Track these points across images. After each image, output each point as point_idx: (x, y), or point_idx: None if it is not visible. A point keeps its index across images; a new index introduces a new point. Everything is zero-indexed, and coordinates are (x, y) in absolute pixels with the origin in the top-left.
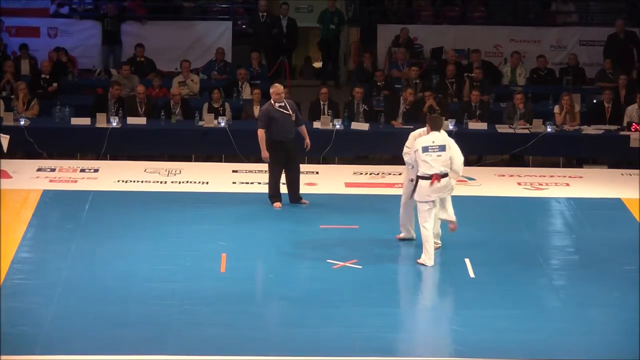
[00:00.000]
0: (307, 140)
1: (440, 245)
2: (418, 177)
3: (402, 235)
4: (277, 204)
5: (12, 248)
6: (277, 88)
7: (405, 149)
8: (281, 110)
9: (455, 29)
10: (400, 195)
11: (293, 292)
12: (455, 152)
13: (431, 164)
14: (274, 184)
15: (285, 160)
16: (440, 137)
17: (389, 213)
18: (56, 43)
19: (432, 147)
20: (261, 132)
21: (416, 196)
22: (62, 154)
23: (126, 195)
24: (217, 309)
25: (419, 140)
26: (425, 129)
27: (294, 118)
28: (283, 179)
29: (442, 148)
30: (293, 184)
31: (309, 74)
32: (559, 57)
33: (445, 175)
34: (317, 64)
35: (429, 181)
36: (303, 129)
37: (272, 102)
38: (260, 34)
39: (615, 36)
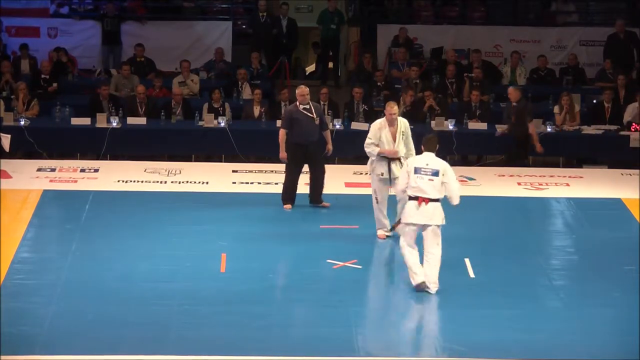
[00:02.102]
0: (329, 146)
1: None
2: (409, 197)
3: (383, 231)
4: (288, 206)
5: (12, 248)
6: (302, 89)
7: (367, 141)
8: (305, 112)
9: (455, 29)
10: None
11: (293, 292)
12: (450, 179)
13: (421, 186)
14: (287, 185)
15: (304, 163)
16: (435, 161)
17: (389, 213)
18: (56, 43)
19: (424, 170)
20: (282, 133)
21: (402, 217)
22: (62, 154)
23: (126, 195)
24: (217, 309)
25: (412, 159)
26: (384, 119)
27: (317, 122)
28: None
29: (436, 173)
30: (314, 185)
31: (300, 76)
32: (559, 57)
33: (435, 200)
34: (310, 68)
35: (416, 202)
36: (327, 133)
37: (297, 103)
38: (260, 34)
39: (615, 36)
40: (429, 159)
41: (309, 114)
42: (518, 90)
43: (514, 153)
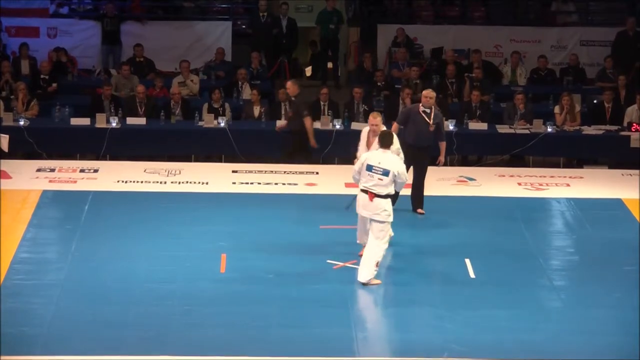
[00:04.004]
0: (441, 158)
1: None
2: (360, 189)
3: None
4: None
5: (12, 248)
6: (427, 92)
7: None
8: (422, 115)
9: (455, 29)
10: None
11: (293, 292)
12: (401, 178)
13: (369, 185)
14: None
15: (409, 165)
16: (388, 160)
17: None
18: (56, 43)
19: (375, 169)
20: (394, 126)
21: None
22: (62, 154)
23: (126, 195)
24: (217, 309)
25: (367, 156)
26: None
27: (431, 128)
28: None
29: (386, 173)
30: (413, 192)
31: (300, 76)
32: (559, 57)
33: (382, 196)
34: (308, 70)
35: (366, 195)
36: (442, 145)
37: (420, 104)
38: (260, 34)
39: (625, 34)
40: (382, 158)
41: (425, 118)
42: (296, 84)
43: (294, 148)
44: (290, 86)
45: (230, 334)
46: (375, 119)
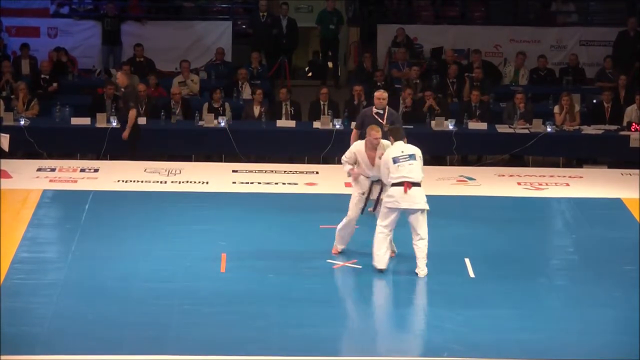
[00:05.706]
0: None
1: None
2: (392, 185)
3: (340, 248)
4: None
5: (12, 248)
6: (379, 93)
7: (343, 158)
8: (376, 116)
9: (455, 29)
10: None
11: (293, 292)
12: (420, 163)
13: (403, 173)
14: None
15: None
16: (408, 147)
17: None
18: (56, 43)
19: (402, 157)
20: (353, 132)
21: (386, 203)
22: (62, 154)
23: (126, 195)
24: (217, 309)
25: (388, 151)
26: (363, 141)
27: (386, 128)
28: None
29: (413, 157)
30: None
31: (301, 76)
32: (559, 57)
33: (417, 184)
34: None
35: (401, 188)
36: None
37: (374, 107)
38: (260, 34)
39: (626, 34)
40: (403, 147)
41: (379, 119)
42: (125, 75)
43: (130, 144)
44: (120, 77)
45: (230, 333)
46: (378, 132)
